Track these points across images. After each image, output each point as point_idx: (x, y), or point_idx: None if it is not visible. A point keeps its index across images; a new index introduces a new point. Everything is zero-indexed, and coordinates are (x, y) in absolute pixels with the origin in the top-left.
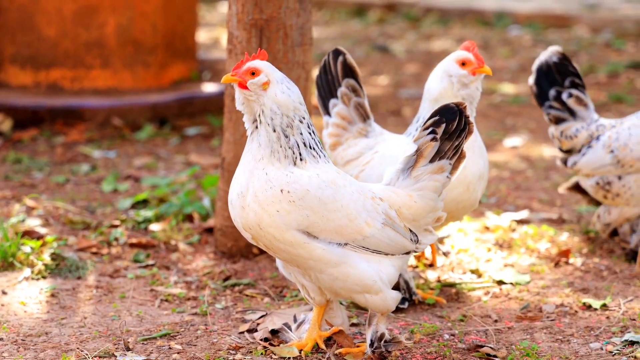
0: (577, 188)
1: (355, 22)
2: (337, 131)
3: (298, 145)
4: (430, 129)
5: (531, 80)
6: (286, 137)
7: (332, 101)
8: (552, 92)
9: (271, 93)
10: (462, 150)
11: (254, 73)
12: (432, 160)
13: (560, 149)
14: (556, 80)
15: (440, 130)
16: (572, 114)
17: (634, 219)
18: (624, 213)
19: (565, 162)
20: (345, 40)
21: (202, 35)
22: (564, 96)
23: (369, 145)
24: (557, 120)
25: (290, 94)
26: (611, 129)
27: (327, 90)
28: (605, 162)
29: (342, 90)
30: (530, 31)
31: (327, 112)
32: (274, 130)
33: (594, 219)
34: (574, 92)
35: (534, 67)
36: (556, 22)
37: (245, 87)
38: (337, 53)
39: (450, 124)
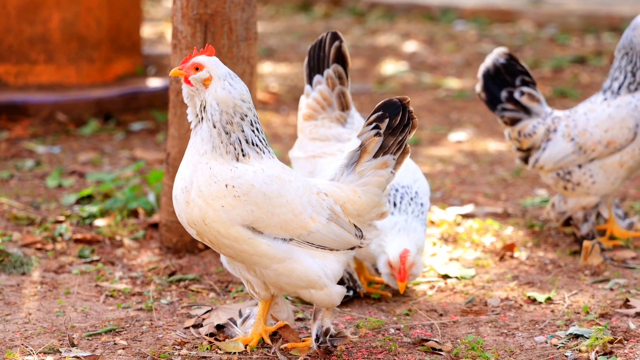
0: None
1: (300, 17)
2: (315, 106)
3: (240, 141)
4: (373, 124)
5: (478, 87)
6: (227, 133)
7: (317, 77)
8: (503, 94)
9: (212, 89)
10: (406, 145)
11: (197, 68)
12: (376, 156)
13: (519, 149)
14: (506, 81)
15: (383, 125)
16: (527, 111)
17: (590, 207)
18: (580, 201)
19: (526, 160)
20: (291, 35)
21: (147, 30)
22: (517, 95)
23: (341, 136)
24: (513, 121)
25: (232, 90)
26: (567, 119)
27: (316, 64)
28: (568, 152)
29: (328, 72)
30: (475, 26)
31: (310, 83)
32: (214, 126)
33: (547, 208)
34: (526, 89)
35: (480, 73)
36: (501, 17)
37: (189, 82)
38: (334, 37)
39: (394, 119)
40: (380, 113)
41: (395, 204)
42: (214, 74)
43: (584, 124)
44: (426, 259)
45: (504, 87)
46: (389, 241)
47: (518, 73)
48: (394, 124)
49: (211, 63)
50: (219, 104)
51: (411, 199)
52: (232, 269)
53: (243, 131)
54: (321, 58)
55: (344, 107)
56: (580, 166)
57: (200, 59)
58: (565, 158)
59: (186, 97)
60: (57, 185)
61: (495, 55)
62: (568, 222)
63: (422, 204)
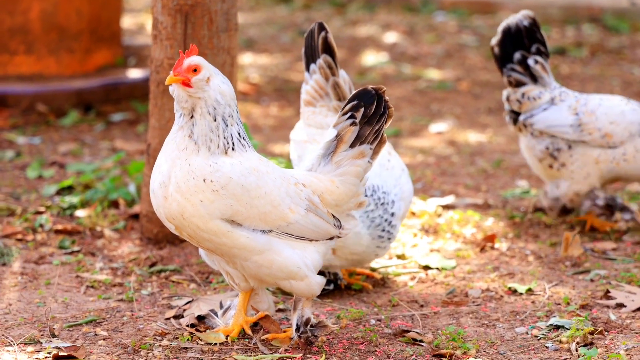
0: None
1: (280, 8)
2: (313, 93)
3: (232, 135)
4: (349, 114)
5: (494, 41)
6: (226, 126)
7: (313, 66)
8: (517, 55)
9: (214, 85)
10: (382, 134)
11: (195, 70)
12: (352, 145)
13: (514, 112)
14: (523, 44)
15: (359, 115)
16: (534, 79)
17: (583, 193)
18: (572, 187)
19: (515, 120)
20: (271, 25)
21: (127, 21)
22: (530, 62)
23: None
24: (518, 84)
25: (229, 84)
26: (579, 96)
27: (310, 53)
28: (566, 122)
29: (320, 62)
30: (455, 17)
31: (308, 71)
32: (215, 119)
33: (540, 197)
34: (540, 59)
35: (500, 28)
36: (481, 8)
37: (190, 85)
38: (321, 27)
39: (369, 108)
40: (355, 102)
41: None
42: (210, 71)
43: (594, 106)
44: (407, 250)
45: (520, 49)
46: None
47: (536, 40)
48: (369, 113)
49: (205, 62)
50: (224, 97)
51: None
52: (210, 262)
53: (238, 124)
54: (313, 48)
55: (341, 97)
56: (570, 147)
57: (196, 60)
58: (559, 127)
59: (183, 100)
60: (38, 176)
61: (520, 16)
62: (564, 211)
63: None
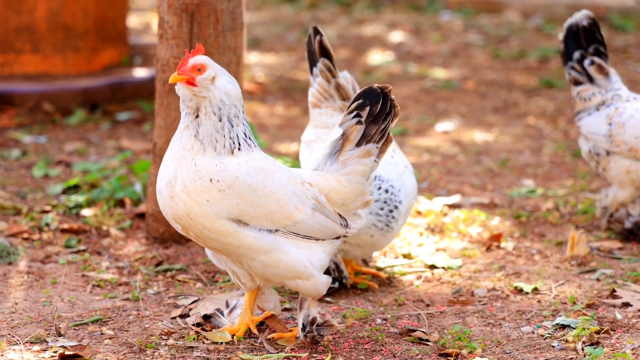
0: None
1: (286, 7)
2: (318, 95)
3: (238, 135)
4: (354, 112)
5: (561, 36)
6: (232, 126)
7: (315, 70)
8: (576, 55)
9: (220, 85)
10: (388, 133)
11: (200, 69)
12: (358, 144)
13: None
14: (581, 44)
15: (364, 114)
16: (591, 80)
17: (627, 203)
18: (617, 197)
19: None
20: (277, 25)
21: (133, 20)
22: (586, 63)
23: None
24: (576, 82)
25: (235, 84)
26: (623, 103)
27: (311, 58)
28: (600, 131)
29: (319, 66)
30: (462, 16)
31: (312, 74)
32: (220, 120)
33: (596, 204)
34: (597, 60)
35: (565, 25)
36: (487, 7)
37: (194, 84)
38: (315, 31)
39: (374, 107)
40: (360, 101)
41: None
42: (216, 70)
43: (626, 118)
44: (413, 249)
45: (579, 48)
46: None
47: (594, 41)
48: (374, 112)
49: (211, 61)
50: (229, 97)
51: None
52: (217, 261)
53: (244, 124)
54: (312, 52)
55: (345, 97)
56: (607, 153)
57: (201, 59)
58: (596, 135)
59: (187, 99)
60: (44, 175)
61: (581, 15)
62: (630, 232)
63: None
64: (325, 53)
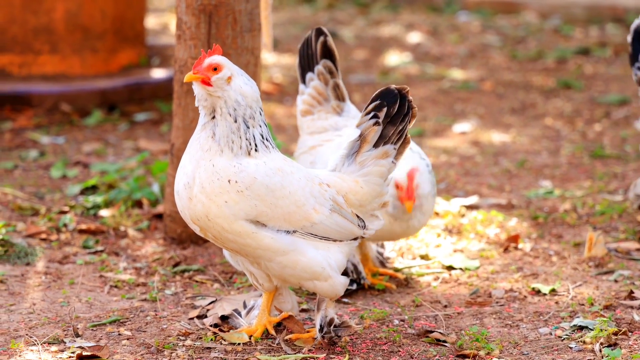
0: None
1: (304, 8)
2: (310, 101)
3: (254, 137)
4: (372, 113)
5: (629, 38)
6: (247, 127)
7: (309, 75)
8: None
9: (235, 85)
10: (406, 134)
11: (216, 69)
12: (376, 145)
13: None
14: None
15: (382, 114)
16: None
17: None
18: None
19: None
20: (295, 25)
21: (151, 21)
22: None
23: (338, 124)
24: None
25: (252, 86)
26: None
27: (306, 63)
28: None
29: (319, 68)
30: (479, 17)
31: (304, 82)
32: (235, 121)
33: (630, 188)
34: None
35: (632, 26)
36: (505, 8)
37: (209, 84)
38: (319, 32)
39: (392, 107)
40: (377, 102)
41: None
42: (233, 71)
43: None
44: (430, 250)
45: None
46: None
47: None
48: (392, 113)
49: (228, 61)
50: (245, 98)
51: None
52: (234, 262)
53: (261, 126)
54: (310, 55)
55: (340, 98)
56: None
57: (217, 59)
58: None
59: (203, 99)
60: (62, 176)
61: None
62: None
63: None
64: (328, 54)
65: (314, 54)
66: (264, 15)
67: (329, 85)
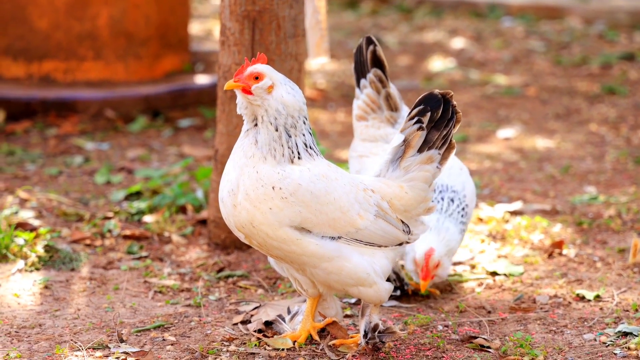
0: None
1: (348, 14)
2: (364, 107)
3: (297, 145)
4: (416, 118)
5: None
6: (289, 136)
7: (363, 81)
8: None
9: (277, 95)
10: (451, 139)
11: (257, 77)
12: (420, 150)
13: None
14: None
15: (425, 119)
16: None
17: None
18: None
19: None
20: (338, 31)
21: (194, 27)
22: None
23: (388, 136)
24: None
25: (295, 94)
26: None
27: (360, 68)
28: None
29: (370, 77)
30: (523, 22)
31: (359, 86)
32: (277, 130)
33: None
34: None
35: None
36: (549, 14)
37: (250, 93)
38: (369, 41)
39: (435, 112)
40: (421, 107)
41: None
42: (275, 80)
43: None
44: (474, 255)
45: None
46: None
47: None
48: (435, 117)
49: (270, 70)
50: (286, 107)
51: (451, 200)
52: (279, 269)
53: (304, 135)
54: (362, 62)
55: (393, 108)
56: None
57: (259, 67)
58: None
59: (244, 107)
60: (106, 182)
61: None
62: None
63: (463, 208)
64: (377, 63)
65: (365, 61)
66: (321, 19)
67: (381, 94)
